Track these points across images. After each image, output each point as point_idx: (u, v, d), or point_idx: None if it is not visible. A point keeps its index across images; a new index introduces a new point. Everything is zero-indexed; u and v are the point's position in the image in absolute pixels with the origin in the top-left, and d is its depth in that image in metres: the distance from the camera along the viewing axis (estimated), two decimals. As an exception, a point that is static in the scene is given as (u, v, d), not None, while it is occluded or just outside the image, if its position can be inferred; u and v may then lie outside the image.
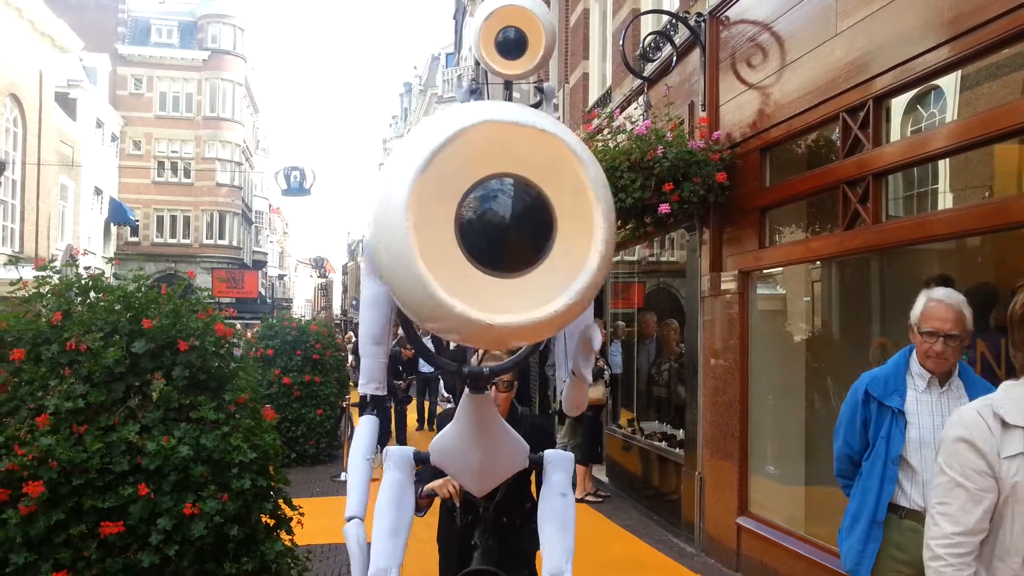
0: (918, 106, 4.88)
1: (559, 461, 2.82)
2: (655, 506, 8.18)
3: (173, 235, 39.69)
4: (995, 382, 3.96)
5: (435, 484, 3.30)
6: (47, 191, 22.77)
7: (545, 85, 2.73)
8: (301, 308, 73.99)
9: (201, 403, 3.45)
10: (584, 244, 1.77)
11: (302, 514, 3.85)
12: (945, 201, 4.81)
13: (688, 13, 7.20)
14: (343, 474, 10.27)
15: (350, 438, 11.45)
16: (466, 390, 2.57)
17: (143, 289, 3.77)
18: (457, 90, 2.69)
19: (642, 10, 8.93)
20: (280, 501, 3.75)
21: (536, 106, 2.70)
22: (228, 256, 40.64)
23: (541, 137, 1.77)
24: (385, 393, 2.75)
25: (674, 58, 7.47)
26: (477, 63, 2.52)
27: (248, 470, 3.40)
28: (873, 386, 3.25)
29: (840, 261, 5.75)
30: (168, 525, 3.13)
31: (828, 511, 5.87)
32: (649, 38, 8.11)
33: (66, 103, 26.52)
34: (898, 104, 4.91)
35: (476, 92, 2.75)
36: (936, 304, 3.08)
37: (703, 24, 6.90)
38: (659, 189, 6.32)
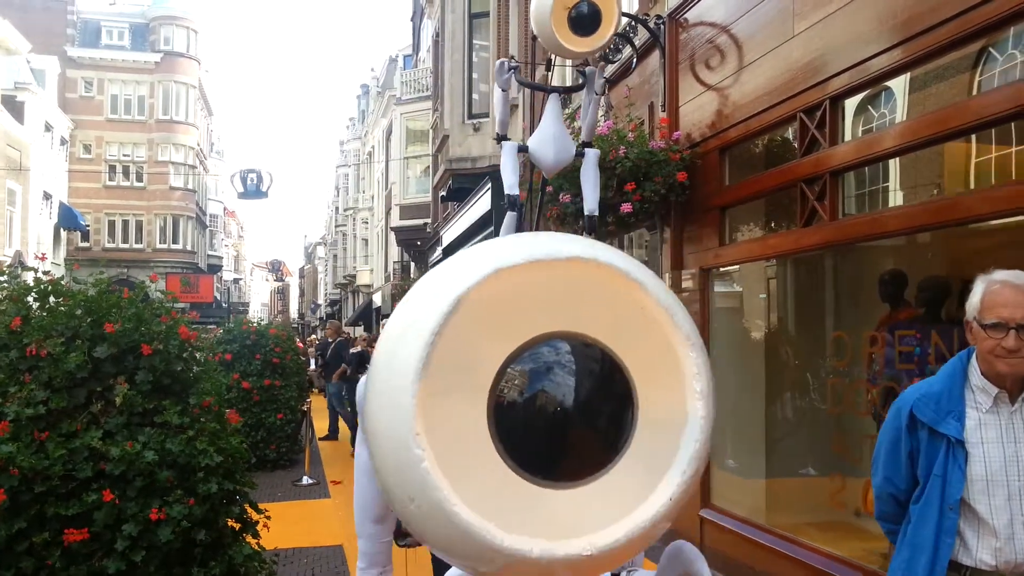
0: (869, 107, 5.00)
1: None
2: (619, 503, 8.25)
3: (125, 240, 38.97)
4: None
5: None
6: (-6, 196, 22.21)
7: (588, 68, 2.52)
8: (258, 312, 73.13)
9: (166, 407, 3.40)
10: (677, 398, 1.34)
11: (268, 517, 3.82)
12: (898, 198, 4.94)
13: (647, 15, 7.29)
14: (305, 478, 10.18)
15: (311, 441, 11.38)
16: None
17: (104, 293, 3.71)
18: (498, 76, 2.46)
19: (601, 12, 9.00)
20: (246, 505, 3.72)
21: (579, 88, 2.54)
22: (182, 260, 40.01)
23: (585, 270, 1.32)
24: None
25: (634, 59, 7.55)
26: (535, 37, 2.28)
27: (214, 474, 3.37)
28: (921, 407, 2.45)
29: (797, 258, 5.87)
30: (134, 531, 3.09)
31: (788, 502, 6.00)
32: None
33: (13, 106, 25.92)
34: (851, 104, 5.03)
35: (516, 69, 2.54)
36: (1001, 287, 2.35)
37: (662, 26, 6.98)
38: (621, 189, 6.38)
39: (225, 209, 54.19)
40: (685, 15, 6.73)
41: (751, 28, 5.81)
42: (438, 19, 18.95)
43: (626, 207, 6.40)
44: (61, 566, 3.00)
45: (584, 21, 2.22)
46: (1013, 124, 3.92)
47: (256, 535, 3.73)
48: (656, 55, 7.15)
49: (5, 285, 3.64)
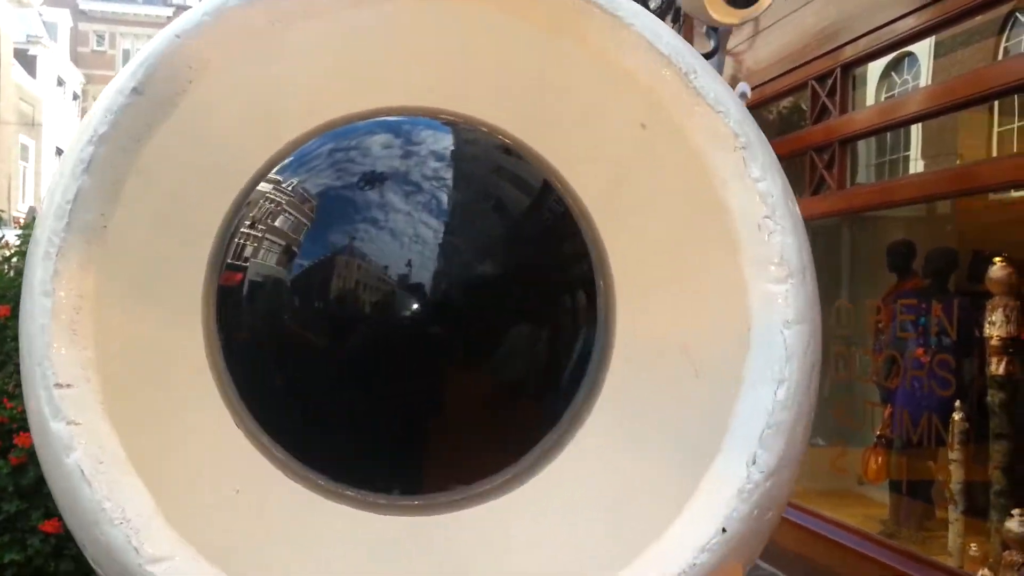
0: (892, 73, 5.01)
1: None
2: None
3: (138, 196, 39.18)
4: (949, 347, 4.17)
5: None
6: (7, 151, 22.32)
7: (721, 28, 2.21)
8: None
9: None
10: (724, 289, 0.58)
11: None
12: (916, 167, 4.97)
13: (663, -22, 7.24)
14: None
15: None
16: None
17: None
18: None
19: (617, -26, 8.93)
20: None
21: (713, 54, 2.17)
22: (194, 218, 40.24)
23: None
24: None
25: (648, 23, 7.52)
26: None
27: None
28: None
29: (809, 226, 5.92)
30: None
31: (802, 471, 6.11)
32: (623, 3, 8.14)
33: (25, 60, 25.88)
34: (874, 69, 5.05)
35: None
36: None
37: (677, -10, 6.95)
38: (632, 154, 6.41)
39: (236, 167, 54.40)
40: (701, -21, 6.70)
41: (767, -6, 5.79)
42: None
43: (637, 172, 6.44)
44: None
45: None
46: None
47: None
48: (670, 19, 7.13)
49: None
